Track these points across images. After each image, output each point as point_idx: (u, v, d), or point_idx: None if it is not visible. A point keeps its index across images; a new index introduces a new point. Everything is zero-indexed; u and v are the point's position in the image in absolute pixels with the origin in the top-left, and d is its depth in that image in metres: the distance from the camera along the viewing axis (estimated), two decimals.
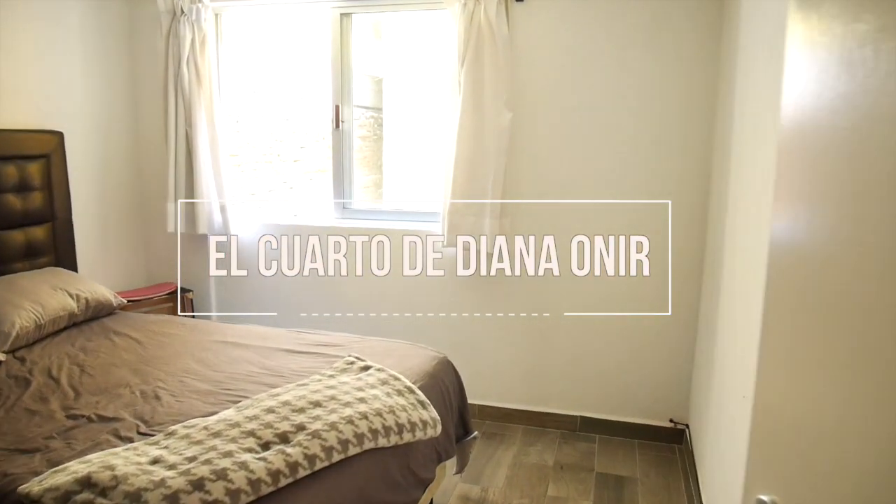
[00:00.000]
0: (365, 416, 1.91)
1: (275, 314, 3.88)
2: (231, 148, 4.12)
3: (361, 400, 2.00)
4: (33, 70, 3.32)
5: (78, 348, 2.79)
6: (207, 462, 1.62)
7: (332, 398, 2.00)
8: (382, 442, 1.90)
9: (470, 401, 2.90)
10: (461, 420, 2.68)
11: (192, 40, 3.57)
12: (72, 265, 3.51)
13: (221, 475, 1.57)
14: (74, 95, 3.57)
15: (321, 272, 3.75)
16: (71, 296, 3.06)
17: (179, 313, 3.83)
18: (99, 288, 3.23)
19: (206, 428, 1.83)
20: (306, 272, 3.78)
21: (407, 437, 1.98)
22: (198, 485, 1.54)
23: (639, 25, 3.10)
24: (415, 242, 3.54)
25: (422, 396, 2.16)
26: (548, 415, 3.54)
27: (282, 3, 3.64)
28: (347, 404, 1.96)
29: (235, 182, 4.06)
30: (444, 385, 2.54)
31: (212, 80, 3.65)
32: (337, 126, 3.69)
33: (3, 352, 2.68)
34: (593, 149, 3.25)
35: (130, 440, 1.93)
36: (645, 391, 3.39)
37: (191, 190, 3.75)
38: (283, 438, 1.79)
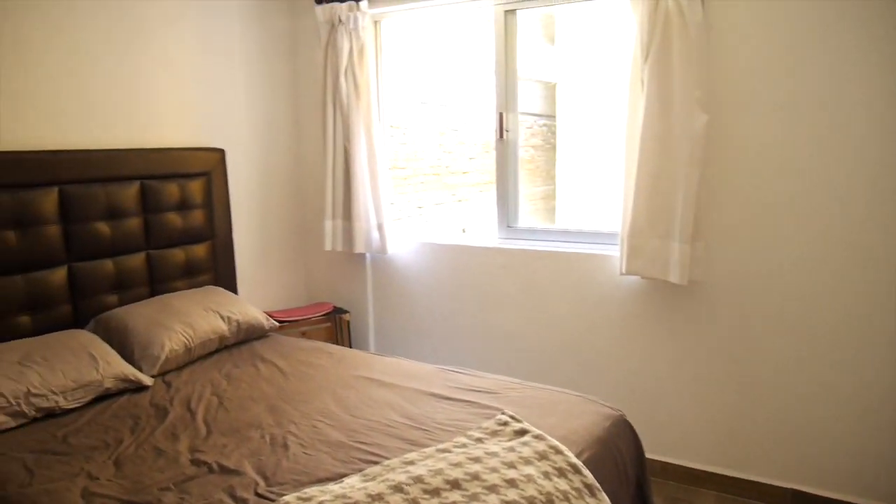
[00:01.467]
0: None
1: (430, 342, 3.58)
2: (396, 160, 3.90)
3: (511, 483, 1.58)
4: (195, 88, 3.29)
5: (223, 375, 2.65)
6: None
7: (475, 477, 1.60)
8: None
9: (650, 455, 2.37)
10: (640, 497, 2.16)
11: (350, 50, 3.38)
12: (231, 283, 3.45)
13: None
14: (236, 112, 3.52)
15: (479, 298, 3.38)
16: (223, 318, 2.95)
17: (336, 336, 3.65)
18: (251, 310, 3.10)
19: None
20: (464, 297, 3.43)
21: None
22: None
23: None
24: (588, 269, 3.06)
25: (590, 479, 1.69)
26: (749, 483, 2.87)
27: (442, 4, 3.33)
28: (493, 488, 1.55)
29: (399, 196, 3.83)
30: (619, 454, 2.05)
31: (370, 91, 3.44)
32: (501, 136, 3.31)
33: (152, 376, 2.59)
34: (818, 156, 2.57)
35: (245, 503, 1.67)
36: (883, 465, 2.62)
37: (348, 207, 3.57)
38: None
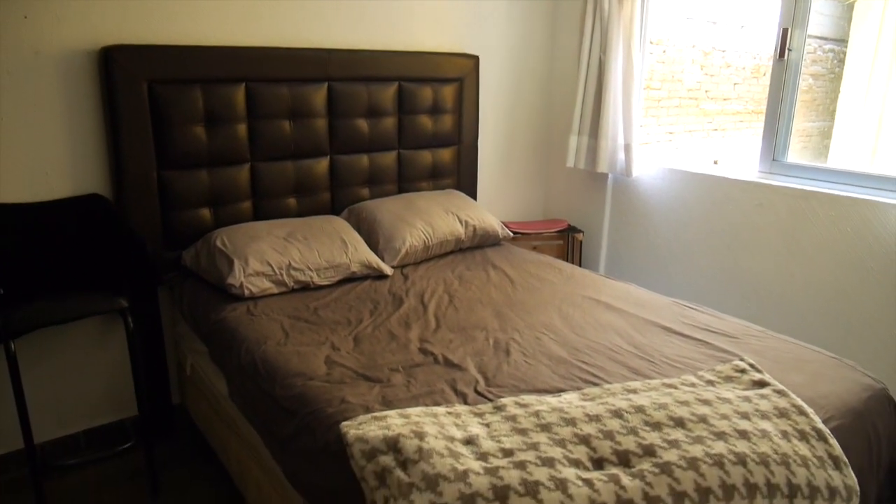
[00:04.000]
0: (742, 461, 1.36)
1: (666, 274, 3.38)
2: (650, 80, 3.64)
3: (743, 434, 1.44)
4: None
5: (455, 276, 2.75)
6: (521, 466, 1.30)
7: (703, 419, 1.48)
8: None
9: None
10: (891, 485, 1.87)
11: None
12: (471, 189, 3.53)
13: (532, 491, 1.23)
14: (493, 20, 3.48)
15: (728, 236, 3.09)
16: (461, 221, 3.04)
17: (566, 254, 3.61)
18: (488, 217, 3.16)
19: (536, 415, 1.51)
20: (710, 232, 3.16)
21: None
22: (502, 494, 1.22)
23: None
24: (864, 217, 2.63)
25: (836, 449, 1.49)
26: None
27: None
28: (721, 435, 1.43)
29: (649, 119, 3.58)
30: (874, 431, 1.78)
31: (634, 1, 3.19)
32: (781, 55, 2.90)
33: (392, 266, 2.77)
34: None
35: (464, 397, 1.73)
36: None
37: (596, 124, 3.42)
38: (624, 460, 1.37)
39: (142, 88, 2.47)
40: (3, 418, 2.46)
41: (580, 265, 3.62)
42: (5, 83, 2.30)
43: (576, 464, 1.34)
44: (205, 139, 2.64)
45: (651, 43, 3.55)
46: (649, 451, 1.37)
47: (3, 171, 2.35)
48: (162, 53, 2.50)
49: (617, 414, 1.49)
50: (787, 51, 2.88)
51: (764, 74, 3.84)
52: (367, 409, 1.64)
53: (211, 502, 2.37)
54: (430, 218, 2.96)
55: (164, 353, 2.74)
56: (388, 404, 1.68)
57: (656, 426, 1.45)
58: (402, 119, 3.18)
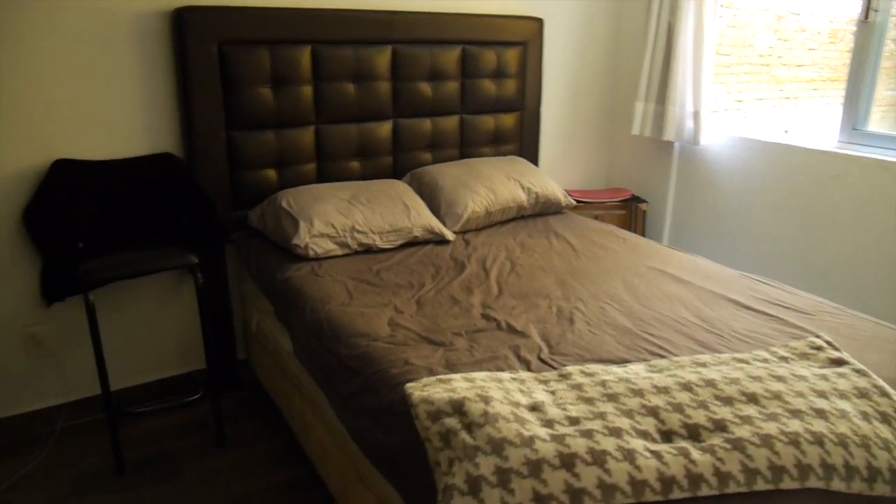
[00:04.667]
0: (819, 441, 1.32)
1: (733, 247, 3.28)
2: (720, 46, 3.49)
3: (820, 413, 1.39)
4: None
5: (517, 243, 2.73)
6: (588, 435, 1.29)
7: (777, 396, 1.44)
8: (837, 486, 1.29)
9: None
10: None
11: None
12: (533, 156, 3.48)
13: (599, 460, 1.22)
14: None
15: (800, 209, 2.97)
16: (523, 188, 3.00)
17: (629, 225, 3.54)
18: (551, 184, 3.11)
19: (603, 384, 1.49)
20: (781, 205, 3.05)
21: (880, 489, 1.31)
22: (568, 462, 1.22)
23: None
24: None
25: None
26: None
27: None
28: (796, 413, 1.38)
29: (717, 86, 3.45)
30: None
31: None
32: (865, 17, 2.74)
33: (454, 232, 2.77)
34: None
35: (528, 364, 1.73)
36: None
37: (663, 90, 3.31)
38: (693, 434, 1.34)
39: (212, 49, 2.50)
40: (82, 365, 2.58)
41: (643, 236, 3.54)
42: (85, 44, 2.36)
43: (644, 435, 1.33)
44: (272, 100, 2.66)
45: (722, 6, 3.39)
46: (720, 426, 1.34)
47: (86, 129, 2.43)
48: (231, 14, 2.52)
49: (686, 387, 1.46)
50: (871, 12, 2.72)
51: (841, 40, 3.65)
52: (431, 372, 1.65)
53: (274, 457, 2.44)
54: (492, 184, 2.93)
55: (231, 309, 2.82)
56: (452, 368, 1.69)
57: (728, 401, 1.42)
58: (464, 83, 3.14)
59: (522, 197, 2.98)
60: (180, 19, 2.42)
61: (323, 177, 2.86)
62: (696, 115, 3.25)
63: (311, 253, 2.42)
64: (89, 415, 2.64)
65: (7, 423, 2.52)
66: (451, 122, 3.15)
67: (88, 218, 2.42)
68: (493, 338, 1.89)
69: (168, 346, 2.77)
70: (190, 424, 2.62)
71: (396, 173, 3.04)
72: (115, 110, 2.47)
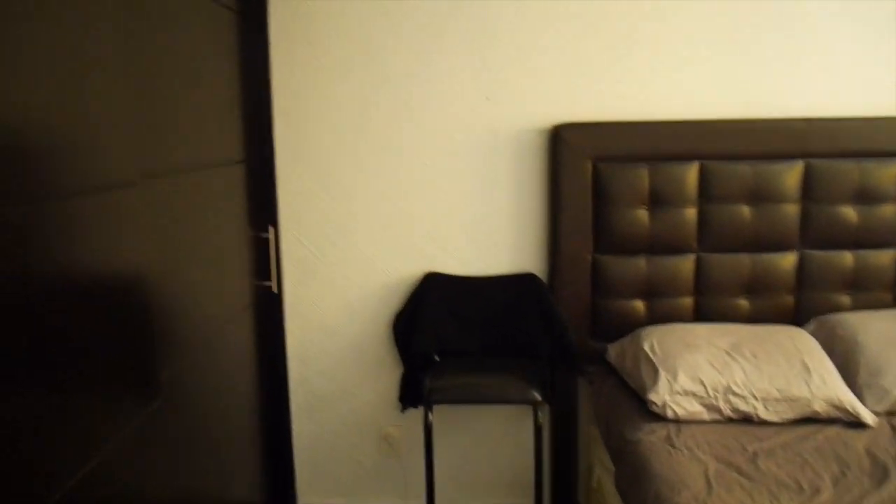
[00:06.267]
0: None
1: None
2: None
3: None
4: None
5: None
6: None
7: None
8: None
9: None
10: None
11: None
12: None
13: None
14: None
15: None
16: None
17: None
18: None
19: None
20: None
21: None
22: None
23: None
24: None
25: None
26: None
27: None
28: None
29: None
30: None
31: None
32: None
33: (875, 413, 2.02)
34: None
35: None
36: None
37: None
38: None
39: (586, 166, 2.33)
40: (412, 476, 2.59)
41: None
42: (468, 161, 2.43)
43: None
44: (647, 223, 2.36)
45: None
46: None
47: (457, 243, 2.48)
48: (610, 130, 2.34)
49: None
50: None
51: None
52: None
53: None
54: None
55: (577, 449, 2.54)
56: None
57: None
58: None
59: None
60: (557, 137, 2.32)
61: (700, 314, 2.41)
62: None
63: (670, 413, 1.98)
64: None
65: None
66: (883, 257, 2.41)
67: (448, 329, 2.43)
68: None
69: (500, 473, 2.62)
70: None
71: (798, 318, 2.41)
72: (486, 226, 2.47)
